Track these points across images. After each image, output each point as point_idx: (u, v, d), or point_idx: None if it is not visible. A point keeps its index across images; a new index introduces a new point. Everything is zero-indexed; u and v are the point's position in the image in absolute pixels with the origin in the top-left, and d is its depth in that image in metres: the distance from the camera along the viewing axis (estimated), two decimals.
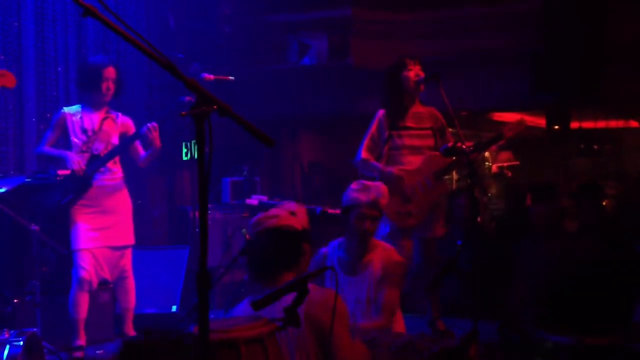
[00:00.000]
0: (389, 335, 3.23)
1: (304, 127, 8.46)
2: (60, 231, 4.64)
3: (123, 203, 4.77)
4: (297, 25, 7.78)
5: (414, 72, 4.72)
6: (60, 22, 5.81)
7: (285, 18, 7.79)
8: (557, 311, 4.04)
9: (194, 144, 5.84)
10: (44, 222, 4.42)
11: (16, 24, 5.49)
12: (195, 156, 3.64)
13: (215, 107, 1.94)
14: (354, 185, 3.74)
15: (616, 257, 4.35)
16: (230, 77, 5.13)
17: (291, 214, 2.77)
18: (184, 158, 6.50)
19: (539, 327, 3.99)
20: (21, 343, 3.66)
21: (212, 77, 5.01)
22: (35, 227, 4.18)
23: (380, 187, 3.72)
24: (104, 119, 4.68)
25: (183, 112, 1.96)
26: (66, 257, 4.66)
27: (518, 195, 6.45)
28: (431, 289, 4.88)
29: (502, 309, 4.71)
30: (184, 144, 6.48)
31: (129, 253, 4.80)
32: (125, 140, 4.69)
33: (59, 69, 5.79)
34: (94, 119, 4.67)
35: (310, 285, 2.42)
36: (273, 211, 2.79)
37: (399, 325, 3.76)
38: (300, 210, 2.82)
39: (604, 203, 6.47)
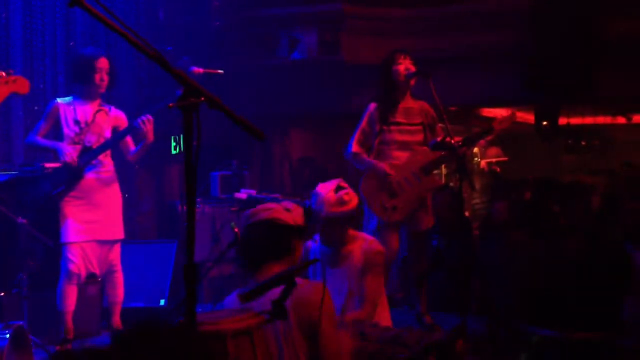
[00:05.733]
0: (377, 329, 3.23)
1: (293, 121, 8.44)
2: (49, 224, 4.61)
3: (113, 197, 4.72)
4: (288, 19, 7.76)
5: (403, 65, 4.75)
6: (48, 13, 5.76)
7: (275, 12, 7.77)
8: (544, 307, 4.07)
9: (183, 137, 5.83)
10: (32, 215, 4.38)
11: (4, 15, 5.44)
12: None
13: (203, 98, 1.93)
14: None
15: (603, 253, 4.38)
16: (220, 71, 5.13)
17: (286, 210, 2.81)
18: (173, 152, 6.47)
19: (526, 321, 4.01)
20: (7, 336, 3.64)
21: (201, 70, 5.00)
22: (22, 220, 4.15)
23: (319, 196, 3.65)
24: (97, 111, 4.62)
25: (170, 104, 1.96)
26: (54, 250, 4.63)
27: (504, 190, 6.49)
28: (419, 283, 4.91)
29: (490, 304, 4.73)
30: (172, 138, 6.46)
31: (117, 247, 4.76)
32: (119, 133, 4.64)
33: (47, 61, 5.75)
34: (87, 110, 4.61)
35: (299, 280, 2.43)
36: (269, 205, 2.84)
37: (385, 316, 3.75)
38: (297, 209, 2.85)
39: (591, 199, 6.50)
